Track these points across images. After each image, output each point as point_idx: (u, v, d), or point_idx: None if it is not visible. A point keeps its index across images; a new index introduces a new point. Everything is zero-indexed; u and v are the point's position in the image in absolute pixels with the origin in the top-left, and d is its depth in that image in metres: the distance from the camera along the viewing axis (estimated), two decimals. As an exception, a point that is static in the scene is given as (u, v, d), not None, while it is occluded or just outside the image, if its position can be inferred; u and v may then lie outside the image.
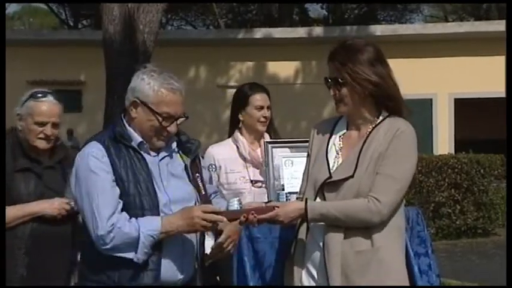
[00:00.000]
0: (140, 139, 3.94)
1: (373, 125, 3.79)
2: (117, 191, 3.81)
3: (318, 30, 30.17)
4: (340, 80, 3.78)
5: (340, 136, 3.88)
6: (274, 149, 4.52)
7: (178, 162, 4.07)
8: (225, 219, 3.68)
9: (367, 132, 3.78)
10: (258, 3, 36.07)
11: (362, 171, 3.67)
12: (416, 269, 3.87)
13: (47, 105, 4.67)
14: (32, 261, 4.52)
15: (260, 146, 5.23)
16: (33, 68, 26.55)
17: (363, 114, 3.82)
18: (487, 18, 32.89)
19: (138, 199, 3.81)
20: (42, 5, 43.08)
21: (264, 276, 3.97)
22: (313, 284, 3.75)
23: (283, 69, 27.18)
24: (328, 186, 3.72)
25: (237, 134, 5.29)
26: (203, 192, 3.97)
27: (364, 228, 3.63)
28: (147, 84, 4.01)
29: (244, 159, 5.17)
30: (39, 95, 4.71)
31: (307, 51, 27.10)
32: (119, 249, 3.79)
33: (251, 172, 5.15)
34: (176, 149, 4.11)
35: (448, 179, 14.69)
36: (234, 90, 21.97)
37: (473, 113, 26.75)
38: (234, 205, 3.73)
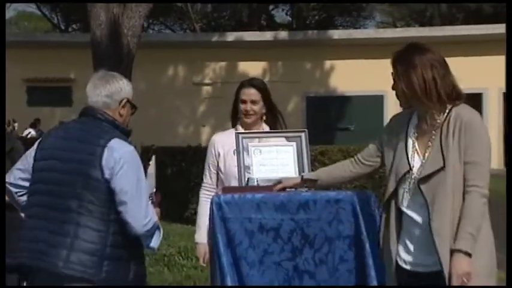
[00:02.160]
0: None
1: (442, 118, 3.79)
2: None
3: (283, 34, 30.21)
4: (393, 77, 3.87)
5: (413, 127, 3.92)
6: (244, 140, 4.50)
7: None
8: None
9: (439, 125, 3.79)
10: (232, 3, 35.96)
11: (451, 162, 3.69)
12: (367, 246, 3.88)
13: None
14: None
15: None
16: (28, 67, 26.35)
17: (425, 108, 3.83)
18: (430, 24, 32.97)
19: None
20: (36, 11, 42.80)
21: (235, 251, 3.98)
22: (409, 258, 3.80)
23: (252, 68, 27.11)
24: (423, 179, 3.74)
25: (238, 125, 5.20)
26: None
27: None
28: (127, 86, 4.21)
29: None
30: None
31: (274, 52, 27.14)
32: (153, 236, 3.98)
33: None
34: None
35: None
36: (208, 87, 21.99)
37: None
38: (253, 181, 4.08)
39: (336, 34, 29.05)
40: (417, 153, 3.85)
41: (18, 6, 48.32)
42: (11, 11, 49.88)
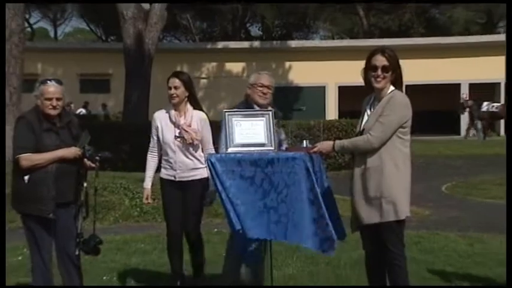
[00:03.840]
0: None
1: (386, 97, 3.91)
2: None
3: (256, 43, 30.14)
4: (389, 65, 3.91)
5: (370, 104, 4.02)
6: (228, 116, 4.41)
7: None
8: None
9: (382, 101, 3.92)
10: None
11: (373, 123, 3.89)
12: (316, 187, 3.87)
13: (52, 87, 4.51)
14: (57, 186, 4.44)
15: (182, 115, 5.00)
16: (81, 65, 26.11)
17: (383, 89, 3.94)
18: (356, 37, 32.91)
19: None
20: (86, 27, 42.25)
21: (229, 191, 3.94)
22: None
23: (234, 67, 27.09)
24: (362, 133, 3.92)
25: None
26: None
27: (372, 156, 3.85)
28: (253, 76, 4.96)
29: (173, 123, 5.00)
30: (46, 81, 4.55)
31: (250, 56, 27.09)
32: None
33: (176, 131, 4.98)
34: None
35: (334, 135, 14.56)
36: (204, 80, 21.80)
37: (350, 94, 26.89)
38: (304, 143, 4.08)
39: (293, 44, 29.09)
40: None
41: (74, 24, 47.85)
42: (68, 27, 49.29)
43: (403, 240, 3.96)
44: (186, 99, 5.06)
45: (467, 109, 24.97)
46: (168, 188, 5.05)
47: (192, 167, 5.00)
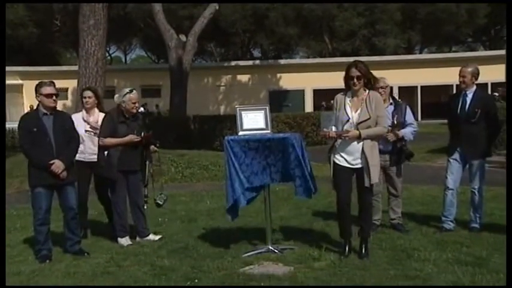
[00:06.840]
0: None
1: (364, 95, 3.75)
2: None
3: (257, 62, 29.83)
4: (361, 75, 3.74)
5: (349, 99, 3.79)
6: (239, 110, 4.28)
7: None
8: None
9: (363, 98, 3.74)
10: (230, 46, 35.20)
11: (372, 115, 3.70)
12: (300, 154, 3.82)
13: (135, 95, 4.58)
14: (127, 159, 4.47)
15: (92, 115, 4.82)
16: (141, 79, 25.88)
17: (360, 90, 3.76)
18: (324, 57, 32.48)
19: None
20: (144, 54, 41.66)
21: (239, 161, 3.88)
22: (343, 162, 3.77)
23: (243, 78, 26.86)
24: (360, 124, 3.69)
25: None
26: None
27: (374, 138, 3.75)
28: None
29: (85, 120, 4.82)
30: (132, 91, 4.60)
31: (253, 70, 26.86)
32: None
33: (87, 126, 4.80)
34: None
35: (310, 122, 14.66)
36: (223, 87, 21.47)
37: (321, 94, 26.67)
38: (333, 128, 3.74)
39: (282, 61, 28.89)
40: (352, 111, 3.77)
41: (137, 52, 47.11)
42: (134, 55, 48.75)
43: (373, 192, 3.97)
44: (96, 104, 4.90)
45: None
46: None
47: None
